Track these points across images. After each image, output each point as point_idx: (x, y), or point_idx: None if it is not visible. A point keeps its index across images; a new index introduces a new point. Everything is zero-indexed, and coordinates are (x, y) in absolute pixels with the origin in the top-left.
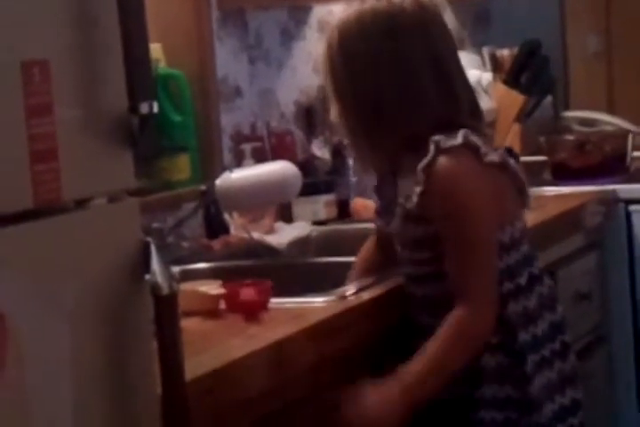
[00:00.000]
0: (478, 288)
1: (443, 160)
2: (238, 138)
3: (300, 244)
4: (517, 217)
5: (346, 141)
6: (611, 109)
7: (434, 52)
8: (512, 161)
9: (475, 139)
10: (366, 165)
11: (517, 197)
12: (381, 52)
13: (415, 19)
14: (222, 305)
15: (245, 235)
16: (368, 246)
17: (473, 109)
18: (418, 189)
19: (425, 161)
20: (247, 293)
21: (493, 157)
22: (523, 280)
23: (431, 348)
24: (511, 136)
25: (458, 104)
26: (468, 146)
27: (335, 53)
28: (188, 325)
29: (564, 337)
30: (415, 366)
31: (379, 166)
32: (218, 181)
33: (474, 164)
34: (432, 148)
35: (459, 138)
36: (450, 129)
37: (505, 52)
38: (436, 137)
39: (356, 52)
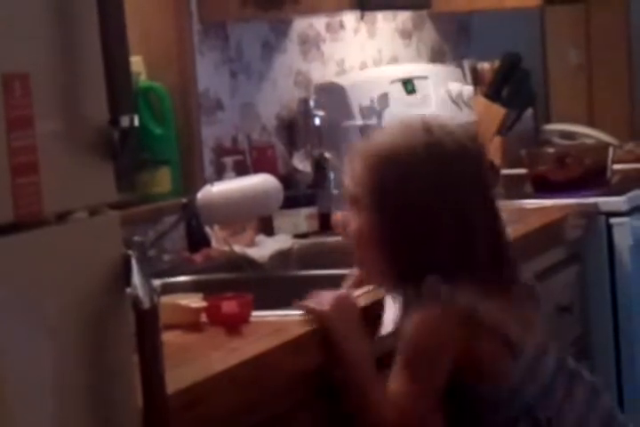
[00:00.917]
0: (403, 402)
1: (414, 322)
2: (219, 151)
3: (282, 257)
4: (503, 375)
5: (359, 252)
6: (591, 123)
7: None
8: (487, 307)
9: (440, 287)
10: (373, 279)
11: (502, 347)
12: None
13: (464, 165)
14: (204, 318)
15: (227, 248)
16: None
17: (494, 259)
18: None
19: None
20: (229, 306)
21: (460, 306)
22: None
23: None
24: (492, 149)
25: (473, 255)
26: (434, 294)
27: (384, 176)
28: (170, 338)
29: None
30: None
31: (382, 284)
32: (199, 195)
33: (440, 317)
34: (401, 301)
35: (425, 286)
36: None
37: (486, 66)
38: (406, 290)
39: (406, 182)
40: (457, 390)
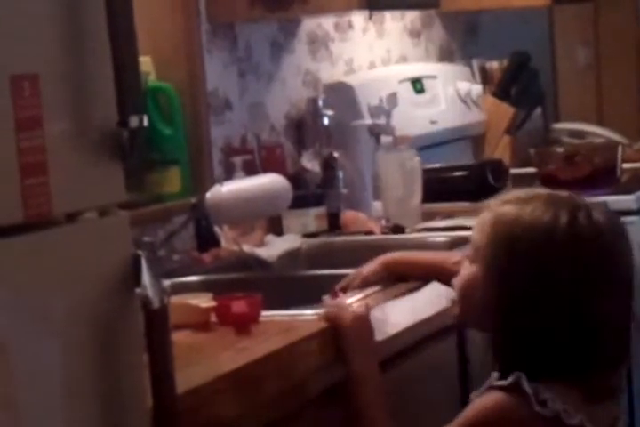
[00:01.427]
0: None
1: (487, 396)
2: (228, 151)
3: (291, 256)
4: None
5: (462, 300)
6: (600, 121)
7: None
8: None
9: (526, 385)
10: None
11: None
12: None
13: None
14: (213, 318)
15: (236, 248)
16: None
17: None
18: None
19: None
20: (238, 306)
21: (548, 412)
22: None
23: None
24: (501, 148)
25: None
26: (517, 388)
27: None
28: (179, 338)
29: None
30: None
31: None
32: (208, 194)
33: (517, 406)
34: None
35: (510, 378)
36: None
37: (494, 65)
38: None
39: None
40: None
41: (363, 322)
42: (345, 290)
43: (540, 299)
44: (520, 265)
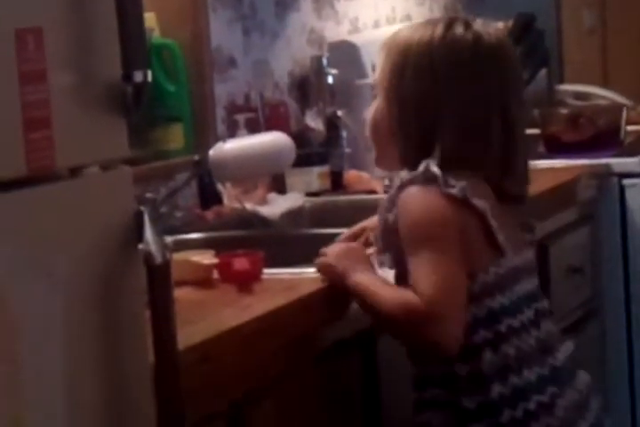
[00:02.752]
0: (442, 302)
1: (403, 194)
2: (232, 108)
3: (293, 215)
4: (483, 269)
5: (374, 140)
6: (605, 83)
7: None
8: (483, 204)
9: (436, 169)
10: (384, 162)
11: (486, 246)
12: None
13: (499, 59)
14: (215, 275)
15: (238, 205)
16: None
17: (504, 166)
18: (390, 217)
19: (390, 193)
20: (240, 263)
21: (453, 190)
22: (477, 339)
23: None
24: None
25: (484, 151)
26: (427, 176)
27: (411, 64)
28: (181, 294)
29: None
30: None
31: (392, 168)
32: (211, 152)
33: (435, 196)
34: (397, 182)
35: (420, 168)
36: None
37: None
38: (403, 173)
39: (438, 71)
40: None
41: (350, 249)
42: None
43: (430, 99)
44: (410, 75)
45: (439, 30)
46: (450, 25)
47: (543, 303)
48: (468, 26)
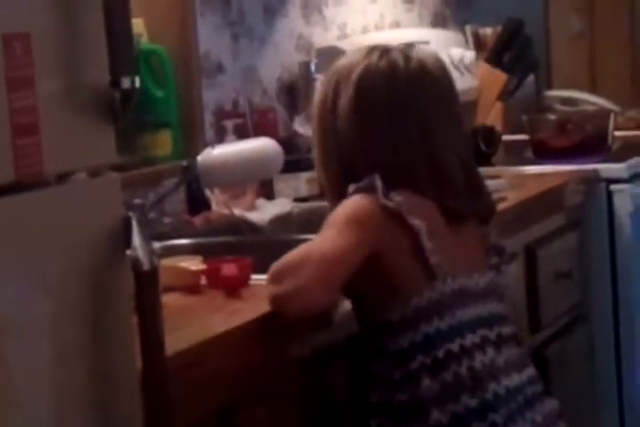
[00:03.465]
0: (302, 276)
1: (345, 201)
2: (220, 114)
3: (282, 221)
4: (416, 293)
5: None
6: (593, 89)
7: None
8: (419, 223)
9: (378, 182)
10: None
11: (419, 268)
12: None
13: (414, 84)
14: (203, 281)
15: (227, 211)
16: None
17: (447, 184)
18: None
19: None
20: (228, 268)
21: (390, 203)
22: (414, 365)
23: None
24: (493, 115)
25: (415, 171)
26: (369, 186)
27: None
28: (169, 300)
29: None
30: None
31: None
32: (199, 158)
33: (371, 203)
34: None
35: (365, 180)
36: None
37: (488, 31)
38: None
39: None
40: (363, 312)
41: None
42: None
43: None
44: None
45: (364, 60)
46: (370, 54)
47: (503, 329)
48: (385, 54)
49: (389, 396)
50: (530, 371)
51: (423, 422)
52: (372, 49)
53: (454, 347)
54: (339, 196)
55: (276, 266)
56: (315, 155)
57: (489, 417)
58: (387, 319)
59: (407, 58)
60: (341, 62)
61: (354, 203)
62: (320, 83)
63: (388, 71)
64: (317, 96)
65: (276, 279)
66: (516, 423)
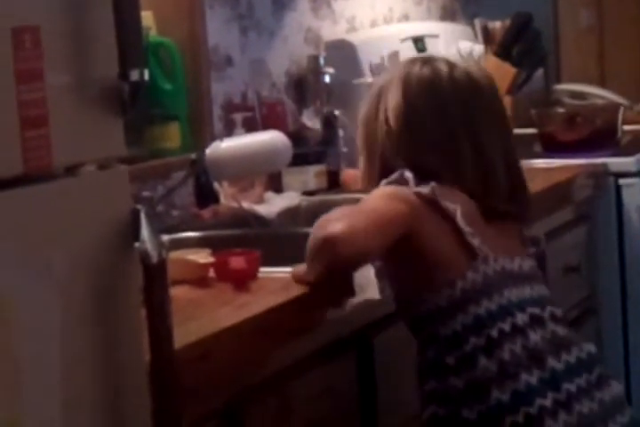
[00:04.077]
0: (351, 221)
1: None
2: (229, 107)
3: (290, 214)
4: (460, 275)
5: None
6: (602, 83)
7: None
8: (453, 207)
9: (408, 174)
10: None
11: (459, 249)
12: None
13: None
14: (211, 274)
15: (235, 204)
16: None
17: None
18: None
19: None
20: (236, 262)
21: (424, 189)
22: (468, 348)
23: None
24: None
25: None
26: (399, 180)
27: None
28: (177, 293)
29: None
30: None
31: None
32: (208, 150)
33: (407, 190)
34: None
35: (394, 175)
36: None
37: (497, 25)
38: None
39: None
40: (407, 299)
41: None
42: None
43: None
44: (415, 107)
45: (405, 69)
46: (450, 66)
47: (555, 309)
48: (427, 62)
49: (444, 382)
50: (590, 347)
51: (483, 402)
52: (413, 59)
53: (506, 326)
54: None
55: (325, 215)
56: (360, 164)
57: (548, 395)
58: (435, 305)
59: (451, 64)
60: (383, 74)
61: (386, 188)
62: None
63: (431, 76)
64: (363, 108)
65: (327, 223)
66: (580, 402)
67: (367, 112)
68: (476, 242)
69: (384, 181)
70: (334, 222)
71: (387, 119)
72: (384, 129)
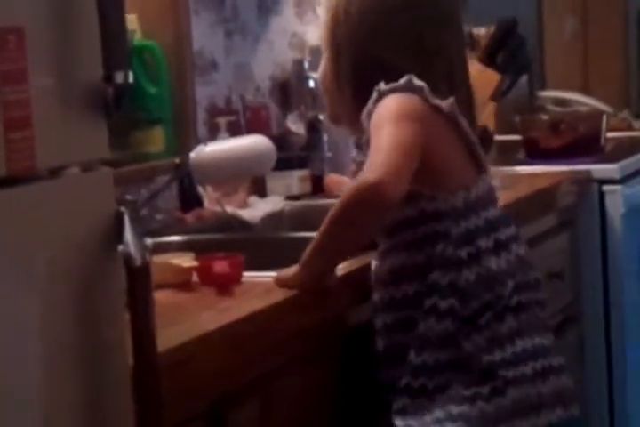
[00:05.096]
0: (385, 162)
1: (384, 100)
2: (213, 111)
3: (274, 218)
4: (473, 182)
5: (325, 97)
6: (586, 90)
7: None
8: (466, 122)
9: (419, 82)
10: (339, 120)
11: (469, 159)
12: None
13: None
14: (195, 278)
15: (219, 208)
16: None
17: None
18: (364, 138)
19: (367, 107)
20: (220, 266)
21: (441, 103)
22: (485, 244)
23: (330, 212)
24: (486, 115)
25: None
26: (410, 86)
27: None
28: (161, 297)
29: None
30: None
31: (353, 123)
32: (192, 154)
33: (417, 100)
34: (374, 94)
35: (401, 80)
36: None
37: (481, 31)
38: (380, 86)
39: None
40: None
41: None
42: None
43: (383, 34)
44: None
45: None
46: None
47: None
48: None
49: (456, 277)
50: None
51: (499, 291)
52: None
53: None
54: (356, 119)
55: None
56: (325, 84)
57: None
58: (450, 206)
59: None
60: None
61: (395, 100)
62: (322, 7)
63: None
64: (326, 14)
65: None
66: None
67: (333, 17)
68: (482, 154)
69: (383, 88)
70: (372, 171)
71: (356, 21)
72: (355, 34)
